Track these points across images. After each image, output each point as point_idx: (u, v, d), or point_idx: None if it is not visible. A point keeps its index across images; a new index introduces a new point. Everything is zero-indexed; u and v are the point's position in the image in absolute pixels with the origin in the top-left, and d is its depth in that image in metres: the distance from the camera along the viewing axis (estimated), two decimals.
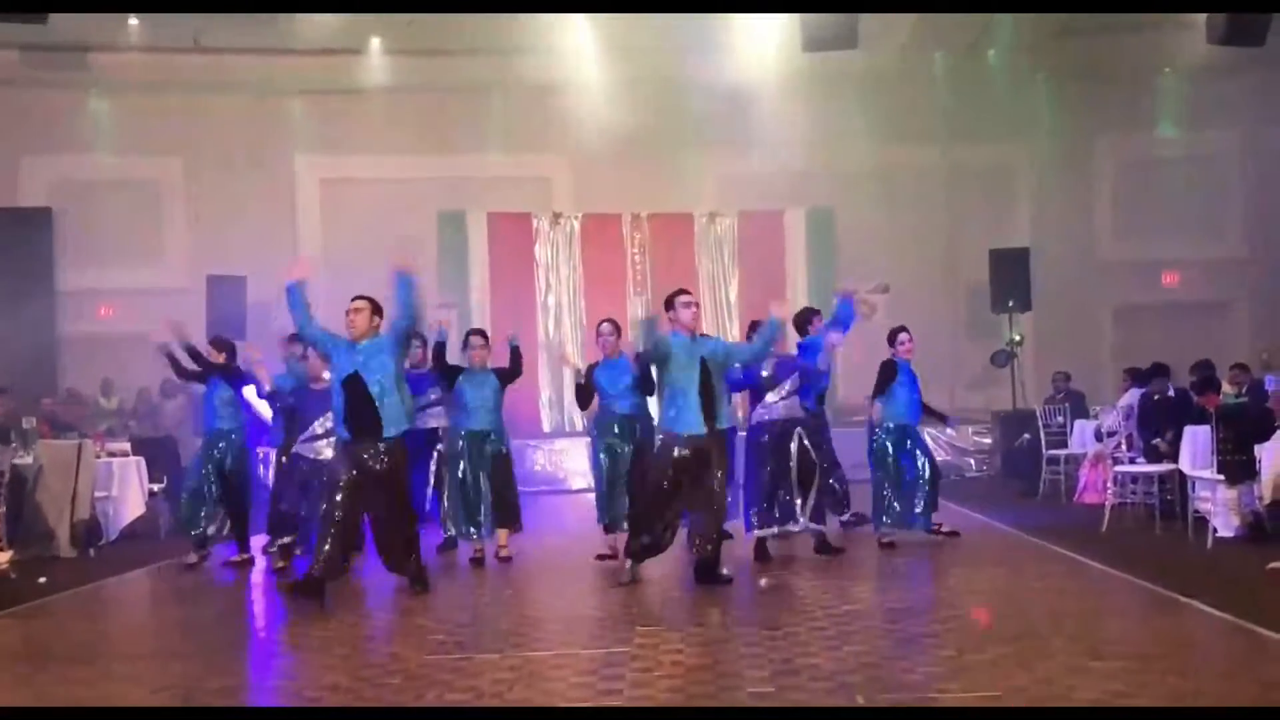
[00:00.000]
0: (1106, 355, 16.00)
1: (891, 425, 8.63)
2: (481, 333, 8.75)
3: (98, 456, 9.92)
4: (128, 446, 10.69)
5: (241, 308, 14.24)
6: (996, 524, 9.77)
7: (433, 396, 9.07)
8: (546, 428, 15.67)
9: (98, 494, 9.70)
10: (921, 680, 4.86)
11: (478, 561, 8.26)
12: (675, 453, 7.07)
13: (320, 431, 8.09)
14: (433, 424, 9.14)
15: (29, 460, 9.16)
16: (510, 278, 16.00)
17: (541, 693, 4.83)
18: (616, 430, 8.17)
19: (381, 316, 7.08)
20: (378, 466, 6.81)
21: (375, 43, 15.07)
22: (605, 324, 8.39)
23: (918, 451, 8.63)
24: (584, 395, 8.40)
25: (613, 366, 8.22)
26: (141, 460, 10.34)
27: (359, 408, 6.79)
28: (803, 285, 16.14)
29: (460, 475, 8.34)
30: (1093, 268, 16.37)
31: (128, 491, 10.08)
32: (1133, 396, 10.58)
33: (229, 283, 14.32)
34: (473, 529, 8.31)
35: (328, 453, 7.81)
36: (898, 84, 15.33)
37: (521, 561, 8.37)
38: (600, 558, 8.15)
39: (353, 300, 7.08)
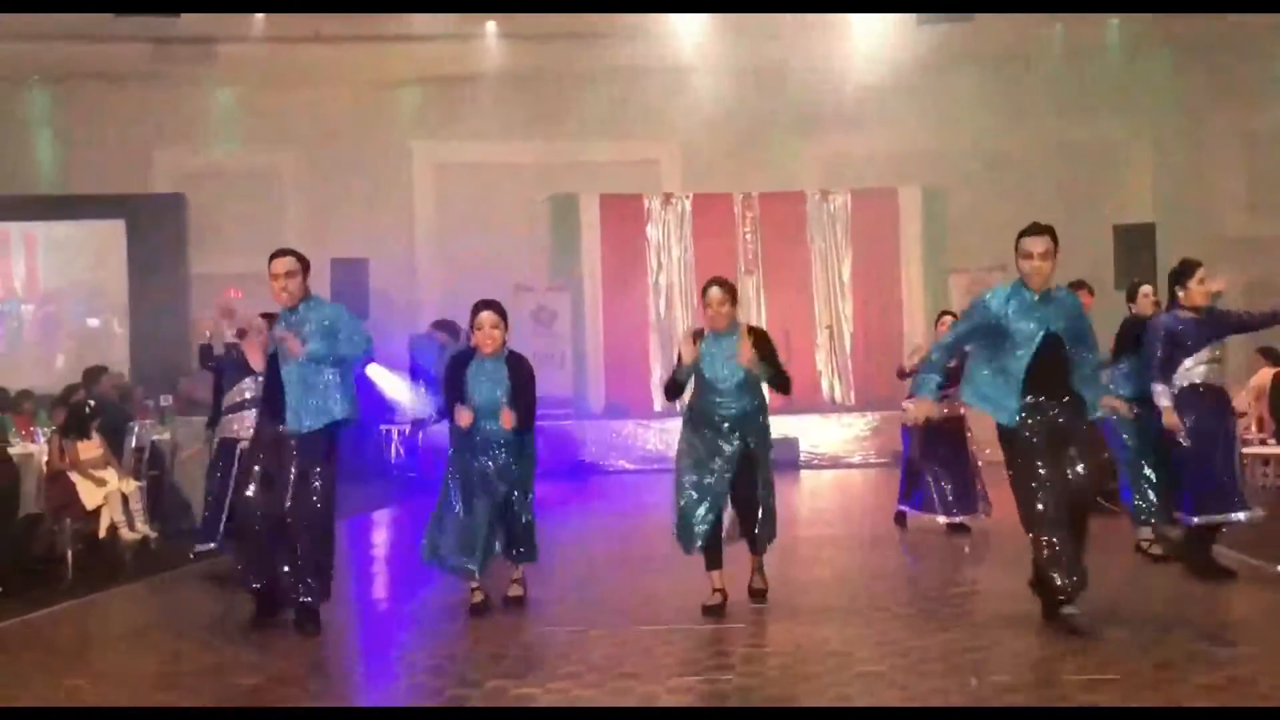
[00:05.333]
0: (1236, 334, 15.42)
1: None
2: (493, 306, 6.15)
3: None
4: None
5: (364, 290, 14.65)
6: (1118, 506, 9.53)
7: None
8: (658, 407, 15.79)
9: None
10: (1034, 662, 4.82)
11: (479, 608, 6.07)
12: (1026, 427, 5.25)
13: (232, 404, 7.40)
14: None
15: (166, 437, 9.59)
16: (622, 259, 16.14)
17: (652, 667, 4.92)
18: (723, 429, 5.94)
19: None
20: None
21: (489, 28, 15.29)
22: (714, 288, 5.99)
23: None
24: (674, 385, 6.12)
25: (719, 347, 5.95)
26: None
27: None
28: (917, 264, 15.97)
29: (456, 495, 6.13)
30: (1220, 244, 15.72)
31: None
32: (1264, 376, 10.24)
33: (352, 266, 14.73)
34: (469, 562, 6.06)
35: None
36: (1015, 58, 14.99)
37: (635, 539, 8.47)
38: (707, 610, 5.89)
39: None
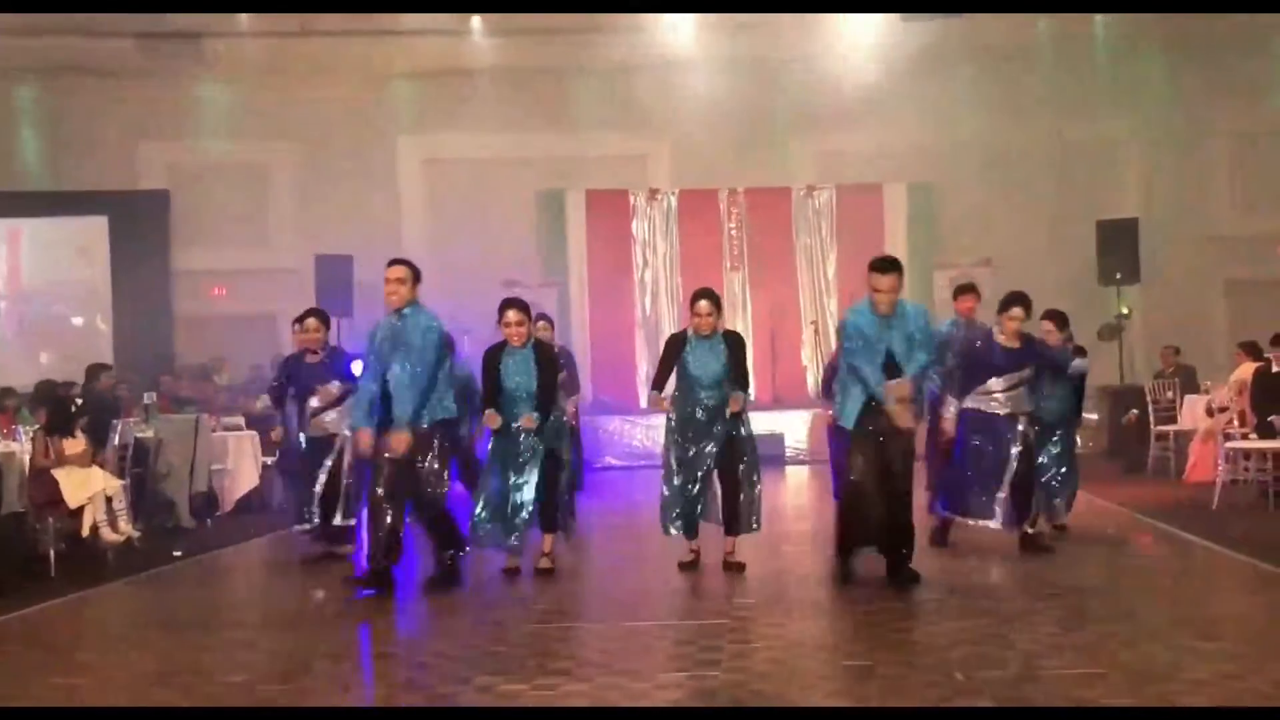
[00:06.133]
0: (1218, 329, 15.51)
1: None
2: (517, 304, 6.97)
3: (213, 431, 10.31)
4: (241, 421, 11.11)
5: (349, 286, 14.58)
6: (1102, 501, 9.60)
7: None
8: (643, 404, 15.77)
9: (214, 467, 10.09)
10: (1022, 656, 4.83)
11: (512, 572, 6.88)
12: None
13: (319, 407, 7.92)
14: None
15: (150, 434, 9.54)
16: (608, 254, 16.12)
17: (641, 663, 4.92)
18: (705, 419, 6.85)
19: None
20: None
21: (475, 23, 15.25)
22: (703, 300, 6.90)
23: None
24: (663, 375, 7.05)
25: (704, 348, 6.89)
26: (255, 435, 10.72)
27: None
28: (903, 260, 15.91)
29: (495, 476, 6.87)
30: (1205, 240, 15.84)
31: (242, 464, 10.47)
32: (1246, 371, 10.29)
33: (336, 262, 14.67)
34: (511, 537, 6.82)
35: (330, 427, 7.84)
36: (1002, 55, 15.02)
37: (624, 535, 8.47)
38: (682, 566, 6.94)
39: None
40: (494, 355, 6.88)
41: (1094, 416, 14.27)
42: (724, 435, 6.83)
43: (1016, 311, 7.35)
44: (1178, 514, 8.52)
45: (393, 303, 6.46)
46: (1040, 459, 7.70)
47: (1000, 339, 7.39)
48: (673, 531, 6.97)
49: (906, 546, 6.35)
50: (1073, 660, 4.73)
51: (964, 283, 8.94)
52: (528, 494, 6.74)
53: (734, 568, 6.84)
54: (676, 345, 7.00)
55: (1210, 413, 10.45)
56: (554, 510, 6.92)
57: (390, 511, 6.41)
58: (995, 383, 7.32)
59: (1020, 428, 7.29)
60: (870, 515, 6.33)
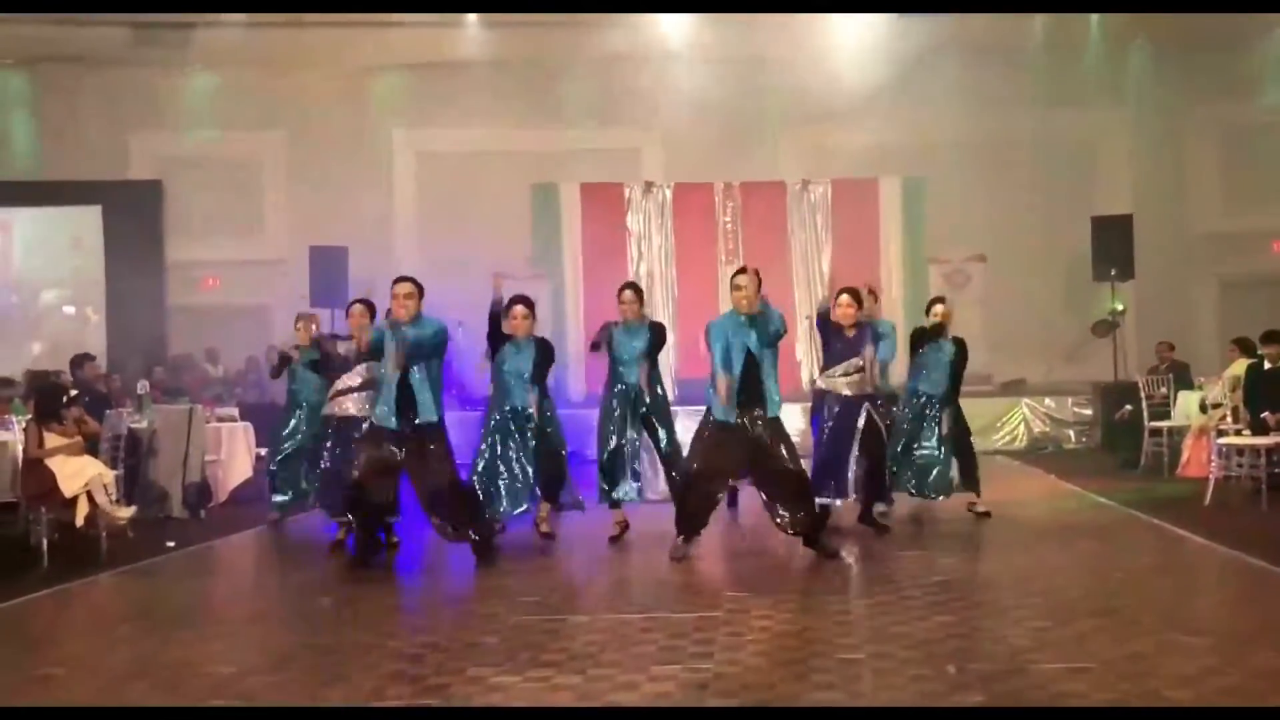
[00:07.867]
0: (1211, 326, 15.56)
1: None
2: (524, 300, 7.97)
3: (207, 422, 10.29)
4: (235, 412, 11.10)
5: (344, 278, 14.57)
6: (1095, 497, 9.62)
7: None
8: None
9: (208, 458, 10.06)
10: (1011, 651, 4.84)
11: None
12: (704, 433, 7.11)
13: (342, 389, 8.12)
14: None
15: (144, 424, 9.52)
16: (602, 248, 16.09)
17: (632, 655, 4.92)
18: (627, 396, 8.00)
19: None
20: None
21: (470, 16, 15.22)
22: (628, 290, 8.16)
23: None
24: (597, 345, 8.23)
25: (629, 335, 8.05)
26: (249, 425, 10.71)
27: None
28: (896, 255, 15.99)
29: (495, 454, 7.78)
30: (1197, 237, 15.90)
31: (236, 456, 10.45)
32: (1239, 367, 10.29)
33: (331, 253, 14.65)
34: (514, 509, 7.76)
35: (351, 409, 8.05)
36: (995, 51, 15.04)
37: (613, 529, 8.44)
38: (612, 540, 7.82)
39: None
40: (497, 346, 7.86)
41: (1088, 412, 14.33)
42: (646, 411, 7.96)
43: (844, 299, 8.10)
44: (1170, 509, 8.54)
45: (401, 316, 6.91)
46: (924, 439, 8.47)
47: (836, 329, 8.10)
48: (607, 497, 7.90)
49: (811, 527, 6.98)
50: (1061, 654, 4.74)
51: (869, 286, 8.95)
52: (519, 468, 7.77)
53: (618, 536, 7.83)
54: (604, 329, 8.10)
55: (1204, 409, 10.45)
56: (550, 477, 7.88)
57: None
58: (837, 370, 8.03)
59: (865, 408, 7.90)
60: (707, 504, 7.04)
